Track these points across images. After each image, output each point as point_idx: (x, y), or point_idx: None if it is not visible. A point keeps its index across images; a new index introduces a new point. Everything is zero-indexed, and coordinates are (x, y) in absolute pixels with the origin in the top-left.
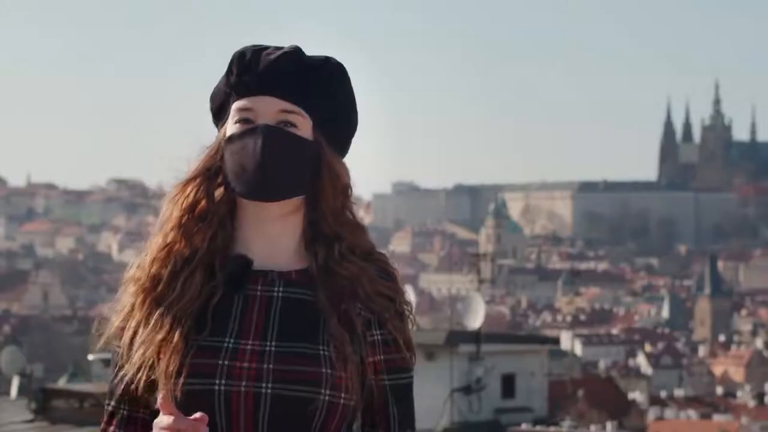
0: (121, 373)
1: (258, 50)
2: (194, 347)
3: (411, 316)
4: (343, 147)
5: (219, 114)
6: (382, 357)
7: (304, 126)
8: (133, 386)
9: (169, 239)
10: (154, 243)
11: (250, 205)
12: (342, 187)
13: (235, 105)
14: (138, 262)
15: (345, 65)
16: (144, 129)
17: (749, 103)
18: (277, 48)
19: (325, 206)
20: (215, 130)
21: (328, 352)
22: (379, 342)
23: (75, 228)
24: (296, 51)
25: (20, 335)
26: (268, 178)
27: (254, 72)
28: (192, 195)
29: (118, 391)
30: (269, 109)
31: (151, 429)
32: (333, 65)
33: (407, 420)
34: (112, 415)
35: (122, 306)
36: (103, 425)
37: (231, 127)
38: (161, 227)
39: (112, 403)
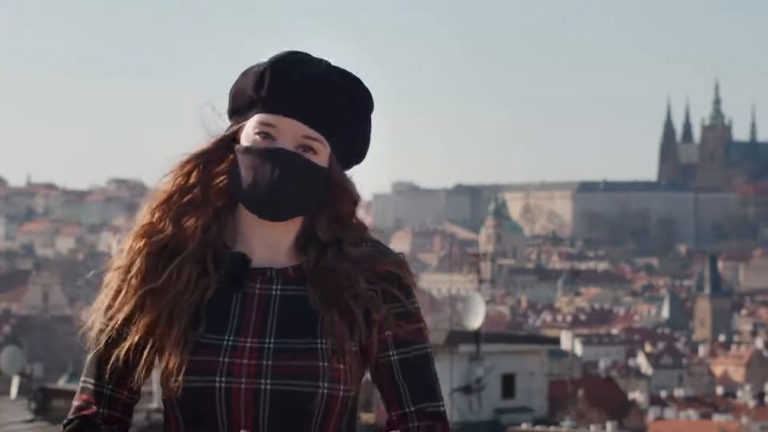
0: (107, 354)
1: (292, 64)
2: (193, 344)
3: (415, 288)
4: (350, 166)
5: (236, 112)
6: (389, 333)
7: (322, 152)
8: (118, 367)
9: (155, 217)
10: (140, 220)
11: None
12: (350, 204)
13: (259, 117)
14: (125, 238)
15: (371, 93)
16: (144, 129)
17: (749, 103)
18: (312, 63)
19: (329, 218)
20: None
21: (326, 345)
22: (384, 323)
23: (75, 228)
24: (330, 73)
25: (20, 335)
26: (279, 201)
27: (285, 92)
28: (186, 177)
29: (103, 370)
30: (293, 131)
31: (130, 411)
32: (360, 93)
33: (423, 392)
34: (94, 393)
35: (110, 288)
36: (80, 402)
37: (250, 137)
38: (150, 202)
39: (93, 380)
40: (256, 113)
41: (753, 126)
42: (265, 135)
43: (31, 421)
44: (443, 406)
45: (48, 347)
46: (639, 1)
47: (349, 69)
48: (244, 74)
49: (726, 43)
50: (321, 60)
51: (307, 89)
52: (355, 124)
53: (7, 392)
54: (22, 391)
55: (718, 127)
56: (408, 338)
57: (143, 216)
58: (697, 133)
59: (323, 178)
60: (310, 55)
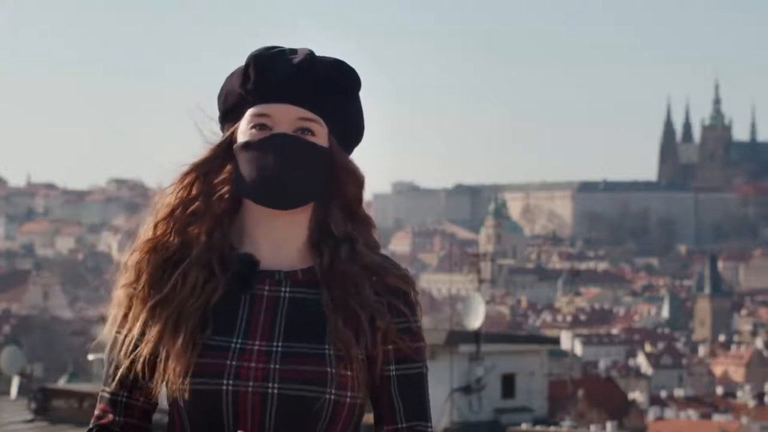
0: (121, 363)
1: (275, 54)
2: (201, 347)
3: (420, 308)
4: (352, 149)
5: (227, 114)
6: (390, 347)
7: (320, 133)
8: (132, 376)
9: (159, 231)
10: (144, 234)
11: (257, 206)
12: (357, 186)
13: (252, 110)
14: (128, 254)
15: (357, 71)
16: (144, 129)
17: (749, 103)
18: (292, 51)
19: (338, 206)
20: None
21: (334, 352)
22: (387, 332)
23: (75, 228)
24: (312, 57)
25: (20, 335)
26: (287, 187)
27: (273, 79)
28: (188, 189)
29: (118, 378)
30: (288, 116)
31: (149, 417)
32: (348, 72)
33: (416, 410)
34: (110, 401)
35: (119, 300)
36: (98, 411)
37: (246, 132)
38: (153, 217)
39: (109, 389)
40: (248, 109)
41: (753, 126)
42: (261, 126)
43: (31, 421)
44: (431, 427)
45: (48, 347)
46: (639, 1)
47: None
48: (229, 77)
49: (726, 43)
50: (299, 48)
51: (294, 73)
52: (347, 102)
53: (7, 392)
54: (22, 391)
55: (718, 127)
56: (408, 354)
57: (146, 230)
58: (697, 133)
59: (326, 158)
60: (285, 47)
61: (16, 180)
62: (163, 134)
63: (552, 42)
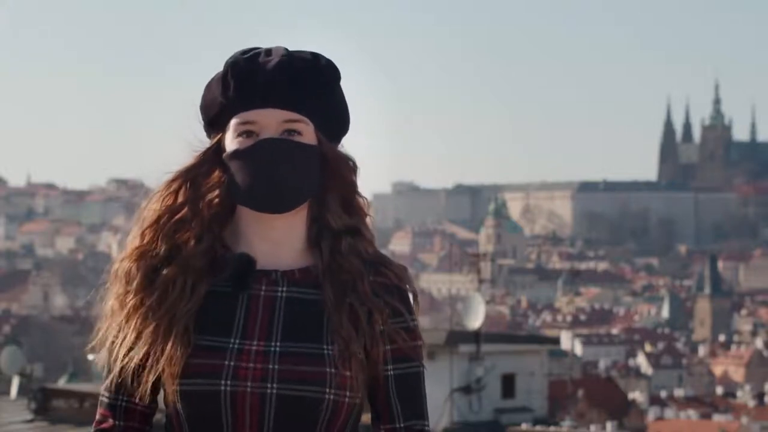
0: (119, 369)
1: (251, 59)
2: (197, 348)
3: (417, 305)
4: (340, 139)
5: (212, 123)
6: (388, 347)
7: (307, 131)
8: (130, 380)
9: (146, 239)
10: (131, 243)
11: (252, 210)
12: (350, 170)
13: (236, 118)
14: (118, 263)
15: (335, 62)
16: (144, 129)
17: (749, 103)
18: (268, 53)
19: (334, 198)
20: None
21: (333, 351)
22: (385, 332)
23: (75, 228)
24: (290, 56)
25: (20, 335)
26: (281, 191)
27: (253, 85)
28: (174, 196)
29: (116, 383)
30: (273, 120)
31: (149, 420)
32: (325, 65)
33: (414, 410)
34: (109, 406)
35: (111, 313)
36: (98, 416)
37: (233, 141)
38: (140, 224)
39: (108, 394)
40: (232, 117)
41: (753, 126)
42: (247, 134)
43: (31, 421)
44: (428, 426)
45: (48, 347)
46: (639, 1)
47: (349, 69)
48: (207, 87)
49: (726, 43)
50: (273, 48)
51: (272, 76)
52: (328, 94)
53: (7, 392)
54: (22, 391)
55: (718, 127)
56: (406, 353)
57: (133, 239)
58: (697, 133)
59: (317, 156)
60: (260, 47)
61: (16, 180)
62: (163, 134)
63: (552, 42)
